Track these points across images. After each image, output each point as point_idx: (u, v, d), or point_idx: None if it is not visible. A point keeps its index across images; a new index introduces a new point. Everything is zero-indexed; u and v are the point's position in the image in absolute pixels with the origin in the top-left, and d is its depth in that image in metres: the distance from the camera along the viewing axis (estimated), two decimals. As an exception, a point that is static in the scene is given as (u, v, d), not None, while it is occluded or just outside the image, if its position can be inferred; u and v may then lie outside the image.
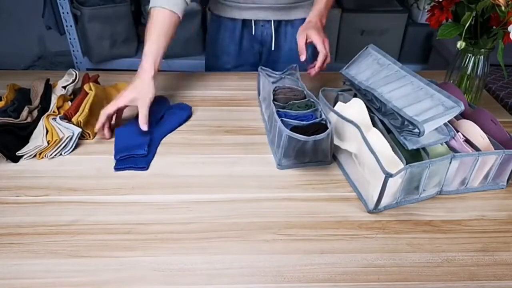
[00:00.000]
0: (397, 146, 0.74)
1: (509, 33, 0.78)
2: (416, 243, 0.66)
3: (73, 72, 1.01)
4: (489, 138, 0.78)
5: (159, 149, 0.87)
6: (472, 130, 0.79)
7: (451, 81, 0.98)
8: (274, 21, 1.14)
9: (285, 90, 0.91)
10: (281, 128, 0.77)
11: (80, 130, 0.86)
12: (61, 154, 0.84)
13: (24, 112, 0.86)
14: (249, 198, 0.74)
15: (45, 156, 0.82)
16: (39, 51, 2.50)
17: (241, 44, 1.19)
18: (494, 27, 0.86)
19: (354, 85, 0.88)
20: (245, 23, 1.16)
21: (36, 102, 0.90)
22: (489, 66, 0.94)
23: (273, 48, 1.18)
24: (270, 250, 0.65)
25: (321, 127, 0.77)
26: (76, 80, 1.00)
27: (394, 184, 0.68)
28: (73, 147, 0.85)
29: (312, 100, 0.87)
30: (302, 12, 1.13)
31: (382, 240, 0.67)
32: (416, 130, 0.72)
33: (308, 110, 0.84)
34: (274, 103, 0.85)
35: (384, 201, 0.70)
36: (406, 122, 0.74)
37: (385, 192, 0.68)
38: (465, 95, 0.97)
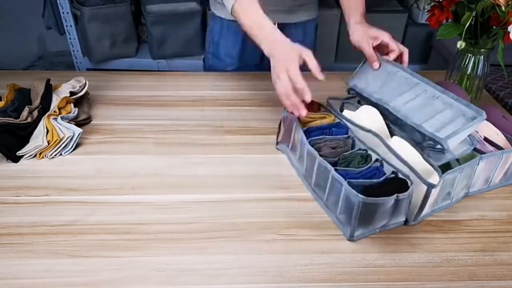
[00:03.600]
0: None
1: (509, 33, 0.78)
2: (416, 243, 0.66)
3: (83, 80, 0.99)
4: (503, 134, 0.78)
5: (159, 149, 0.87)
6: (486, 128, 0.79)
7: (451, 81, 0.98)
8: (276, 24, 1.13)
9: (322, 141, 0.76)
10: (350, 193, 0.62)
11: (81, 130, 0.86)
12: (61, 154, 0.84)
13: (24, 112, 0.86)
14: (249, 198, 0.74)
15: (45, 156, 0.82)
16: (39, 51, 2.50)
17: (244, 46, 1.19)
18: (494, 27, 0.86)
19: (363, 98, 0.85)
20: None
21: (36, 102, 0.90)
22: (489, 66, 0.94)
23: None
24: (270, 250, 0.65)
25: (396, 181, 0.65)
26: (84, 87, 0.98)
27: (432, 194, 0.66)
28: (73, 147, 0.85)
29: (364, 148, 0.73)
30: (305, 15, 1.12)
31: (382, 240, 0.67)
32: (439, 146, 0.69)
33: (371, 163, 0.70)
34: (325, 159, 0.69)
35: (424, 212, 0.68)
36: (427, 137, 0.71)
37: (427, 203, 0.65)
38: (465, 95, 0.97)
